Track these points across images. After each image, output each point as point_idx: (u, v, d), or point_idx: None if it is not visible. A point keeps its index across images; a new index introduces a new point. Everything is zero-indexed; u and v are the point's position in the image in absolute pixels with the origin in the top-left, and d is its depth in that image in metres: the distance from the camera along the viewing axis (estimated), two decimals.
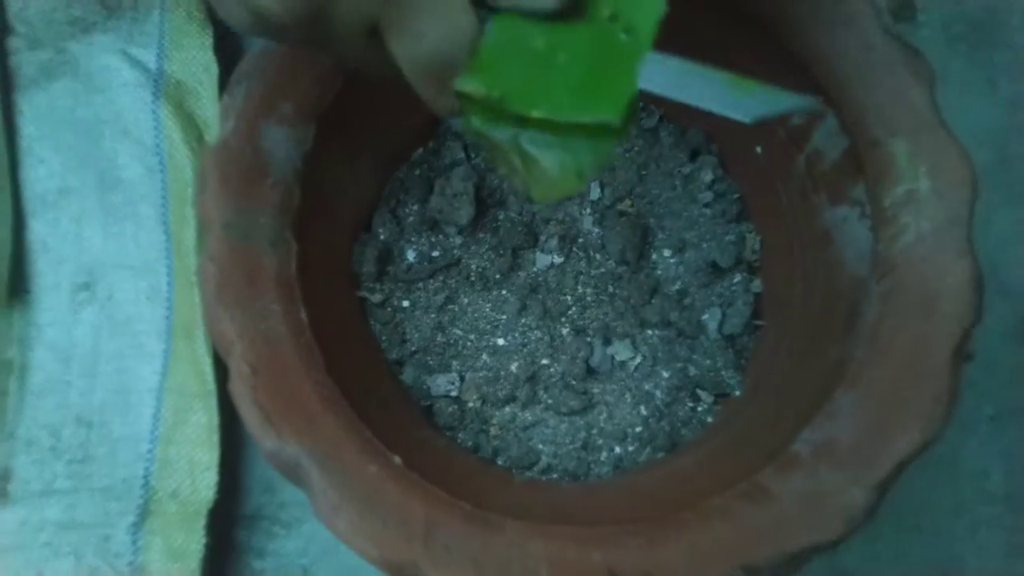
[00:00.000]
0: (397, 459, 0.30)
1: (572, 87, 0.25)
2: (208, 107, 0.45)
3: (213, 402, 0.41)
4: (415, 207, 0.41)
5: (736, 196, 0.42)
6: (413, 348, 0.40)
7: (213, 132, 0.45)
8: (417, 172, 0.42)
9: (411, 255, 0.41)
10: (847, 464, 0.30)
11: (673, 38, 0.26)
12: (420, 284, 0.40)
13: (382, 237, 0.41)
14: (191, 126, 0.45)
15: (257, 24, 0.25)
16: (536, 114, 0.25)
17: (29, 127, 0.45)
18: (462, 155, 0.43)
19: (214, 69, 0.45)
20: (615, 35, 0.25)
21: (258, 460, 0.43)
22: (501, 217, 0.42)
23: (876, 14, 0.35)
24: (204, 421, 0.41)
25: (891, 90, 0.34)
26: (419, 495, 0.29)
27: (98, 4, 0.46)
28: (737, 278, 0.42)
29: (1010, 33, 0.52)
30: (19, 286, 0.43)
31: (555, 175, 0.26)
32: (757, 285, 0.42)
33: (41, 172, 0.45)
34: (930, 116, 0.33)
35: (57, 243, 0.44)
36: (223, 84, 0.45)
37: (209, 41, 0.46)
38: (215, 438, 0.40)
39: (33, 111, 0.46)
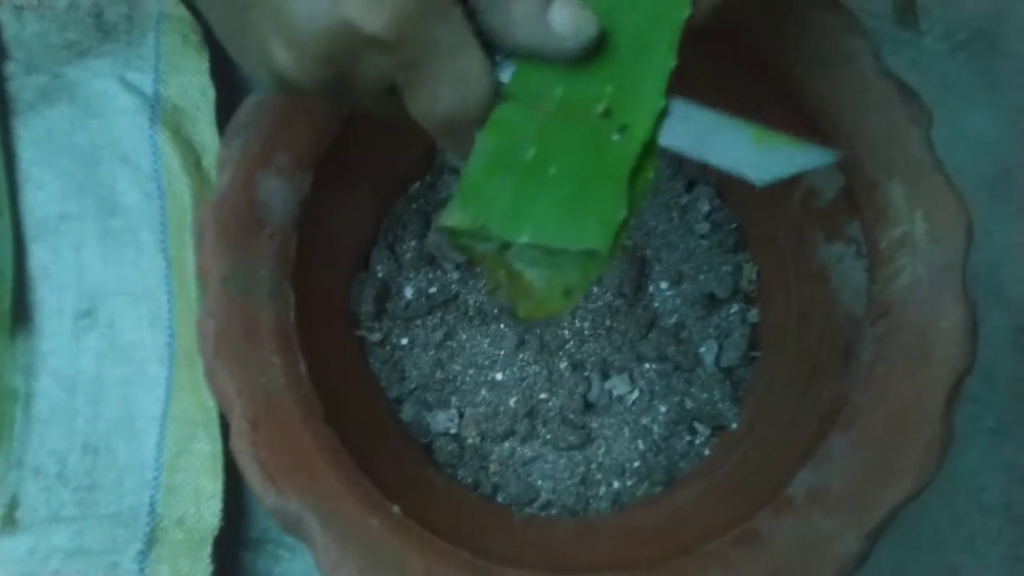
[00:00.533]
0: (396, 508, 0.31)
1: (559, 209, 0.24)
2: (206, 132, 0.45)
3: (216, 430, 0.41)
4: (413, 243, 0.41)
5: (733, 226, 0.42)
6: (412, 385, 0.40)
7: (211, 157, 0.45)
8: (414, 206, 0.42)
9: (409, 292, 0.41)
10: (840, 510, 0.31)
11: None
12: (418, 321, 0.41)
13: (380, 275, 0.41)
14: (189, 151, 0.45)
15: (276, 83, 0.25)
16: (522, 240, 0.24)
17: (27, 152, 0.45)
18: None
19: (211, 93, 0.45)
20: (608, 136, 0.25)
21: None
22: None
23: (873, 54, 0.34)
24: (207, 449, 0.41)
25: (888, 131, 0.34)
26: (418, 547, 0.30)
27: (93, 28, 0.46)
28: (734, 308, 0.42)
29: (1013, 41, 0.52)
30: (21, 313, 0.44)
31: (542, 293, 0.25)
32: (754, 315, 0.42)
33: (41, 197, 0.45)
34: (927, 159, 0.33)
35: (58, 269, 0.44)
36: (220, 108, 0.45)
37: (205, 65, 0.45)
38: (219, 465, 0.41)
39: (31, 136, 0.45)
